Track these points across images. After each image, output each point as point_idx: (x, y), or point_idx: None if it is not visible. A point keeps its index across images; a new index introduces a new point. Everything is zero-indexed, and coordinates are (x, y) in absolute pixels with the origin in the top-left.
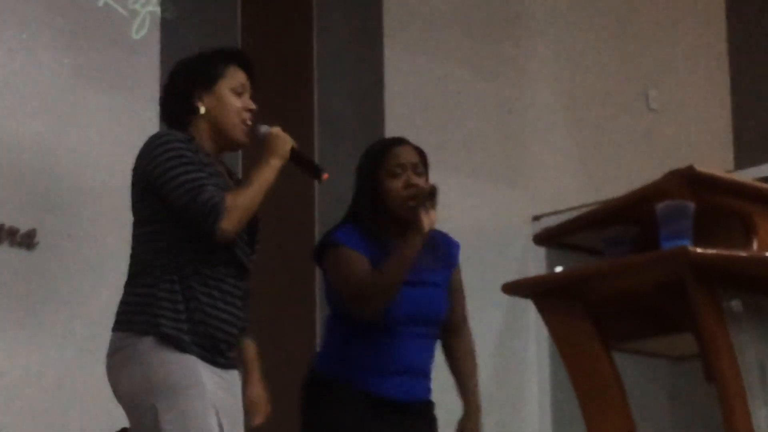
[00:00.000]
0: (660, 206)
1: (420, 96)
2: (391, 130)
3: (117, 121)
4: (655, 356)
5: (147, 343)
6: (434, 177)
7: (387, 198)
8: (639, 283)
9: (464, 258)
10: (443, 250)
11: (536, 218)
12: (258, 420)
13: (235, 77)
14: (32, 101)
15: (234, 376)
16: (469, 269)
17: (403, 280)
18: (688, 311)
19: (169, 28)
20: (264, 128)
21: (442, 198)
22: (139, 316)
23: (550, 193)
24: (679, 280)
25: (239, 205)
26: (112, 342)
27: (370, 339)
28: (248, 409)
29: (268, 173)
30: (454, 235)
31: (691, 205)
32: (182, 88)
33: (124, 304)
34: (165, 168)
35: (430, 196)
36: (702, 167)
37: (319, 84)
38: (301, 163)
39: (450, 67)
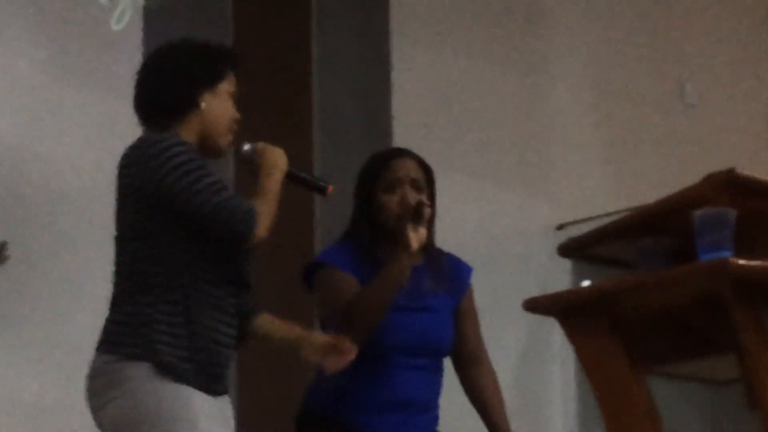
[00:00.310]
0: (697, 214)
1: (431, 95)
2: (399, 133)
3: (95, 121)
4: (693, 380)
5: (140, 369)
6: (448, 183)
7: (382, 214)
8: (675, 299)
9: (481, 272)
10: (451, 274)
11: (560, 227)
12: (346, 356)
13: (232, 83)
14: (2, 99)
15: (227, 403)
16: (487, 285)
17: (389, 302)
18: (729, 330)
19: (152, 18)
20: (248, 145)
21: (455, 206)
22: (132, 338)
23: (576, 200)
24: (719, 295)
25: (266, 212)
26: (97, 364)
27: (364, 371)
28: (323, 352)
29: (275, 186)
30: (469, 247)
31: (732, 213)
32: (184, 80)
33: (114, 323)
34: (178, 174)
35: (415, 212)
36: (744, 170)
37: (319, 82)
38: (298, 179)
39: (465, 63)
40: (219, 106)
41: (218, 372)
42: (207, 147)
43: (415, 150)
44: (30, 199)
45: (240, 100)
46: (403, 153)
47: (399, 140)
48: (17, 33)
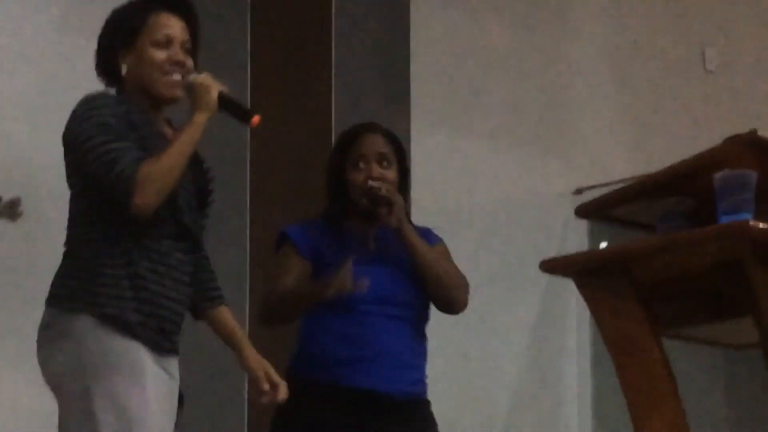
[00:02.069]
0: (718, 176)
1: (449, 53)
2: (417, 91)
3: None
4: (711, 344)
5: (85, 321)
6: (466, 145)
7: (350, 191)
8: (694, 261)
9: (498, 235)
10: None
11: (578, 191)
12: (280, 394)
13: (158, 28)
14: (13, 55)
15: (174, 365)
16: (504, 247)
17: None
18: (748, 294)
19: None
20: (192, 77)
21: (473, 168)
22: (78, 292)
23: (595, 164)
24: (739, 258)
25: (154, 176)
26: (44, 317)
27: (336, 325)
28: (258, 385)
29: (190, 133)
30: (487, 209)
31: (753, 175)
32: (106, 46)
33: (60, 277)
34: (85, 137)
35: (371, 199)
36: (766, 132)
37: (337, 40)
38: (230, 110)
39: (484, 21)
40: (140, 62)
41: (166, 327)
42: (153, 98)
43: (434, 111)
44: (42, 155)
45: (258, 62)
46: (371, 128)
47: (417, 102)
48: None
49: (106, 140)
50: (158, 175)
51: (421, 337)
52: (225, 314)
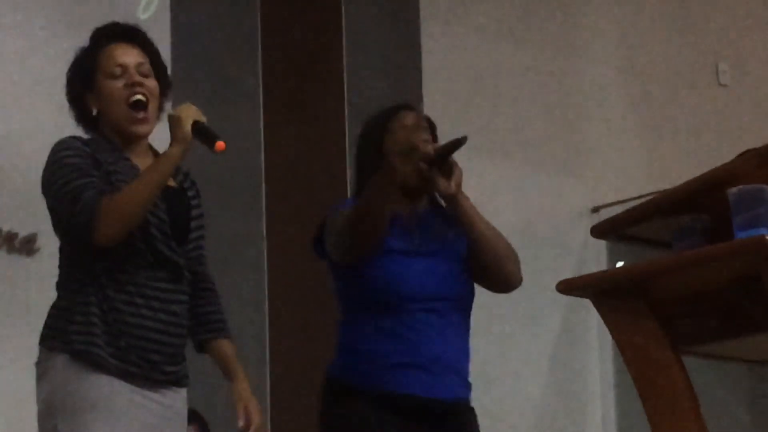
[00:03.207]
0: (733, 191)
1: (462, 74)
2: (430, 113)
3: None
4: (732, 360)
5: (59, 360)
6: (482, 166)
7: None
8: (711, 278)
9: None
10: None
11: (595, 210)
12: (250, 429)
13: (109, 60)
14: (28, 91)
15: (173, 395)
16: (522, 268)
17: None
18: (767, 309)
19: (179, 6)
20: (169, 111)
21: (489, 190)
22: (54, 331)
23: (611, 182)
24: (756, 274)
25: (116, 205)
26: (37, 356)
27: (385, 326)
28: (238, 416)
29: (161, 164)
30: (504, 230)
31: None
32: (73, 96)
33: (47, 317)
34: (52, 181)
35: (448, 165)
36: None
37: (349, 63)
38: (201, 138)
39: (496, 41)
40: (102, 98)
41: (152, 358)
42: (126, 136)
43: (449, 135)
44: None
45: (270, 91)
46: (408, 106)
47: None
48: (43, 23)
49: (69, 179)
50: (121, 204)
51: (468, 334)
52: (224, 346)
